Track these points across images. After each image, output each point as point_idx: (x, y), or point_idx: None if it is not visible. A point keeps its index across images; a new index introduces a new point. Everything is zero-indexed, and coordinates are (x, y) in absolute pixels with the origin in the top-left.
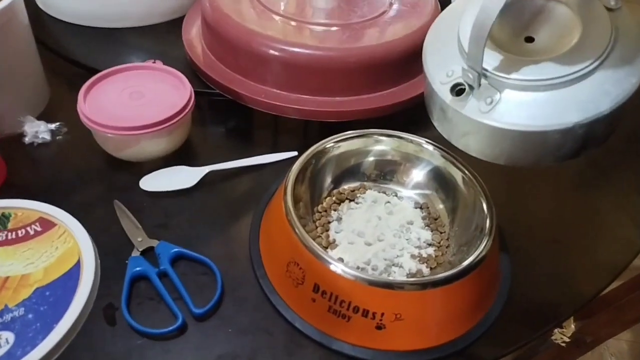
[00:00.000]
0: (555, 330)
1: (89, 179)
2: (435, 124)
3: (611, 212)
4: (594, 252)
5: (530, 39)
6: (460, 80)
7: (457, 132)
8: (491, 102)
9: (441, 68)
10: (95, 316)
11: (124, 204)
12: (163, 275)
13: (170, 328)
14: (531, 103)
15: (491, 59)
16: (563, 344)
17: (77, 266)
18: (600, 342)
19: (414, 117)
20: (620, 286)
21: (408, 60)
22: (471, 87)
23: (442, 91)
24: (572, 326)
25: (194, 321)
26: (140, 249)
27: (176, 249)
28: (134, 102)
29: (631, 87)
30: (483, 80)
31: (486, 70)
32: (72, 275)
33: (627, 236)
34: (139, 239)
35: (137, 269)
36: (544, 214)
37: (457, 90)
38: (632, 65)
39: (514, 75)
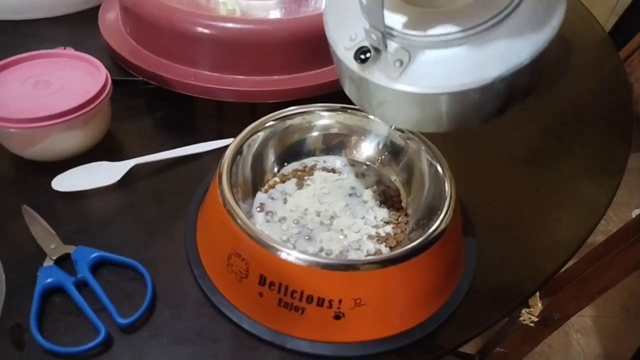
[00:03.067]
0: (523, 311)
1: None
2: (348, 94)
3: (572, 179)
4: (558, 222)
5: None
6: (365, 44)
7: (371, 101)
8: (401, 65)
9: (344, 31)
10: (1, 340)
11: (34, 209)
12: (82, 285)
13: (91, 344)
14: (445, 61)
15: (395, 15)
16: (531, 324)
17: None
18: (567, 318)
19: None
20: (581, 259)
21: None
22: (377, 50)
23: (348, 58)
24: (539, 304)
25: (121, 334)
26: (54, 257)
27: (96, 254)
28: (39, 92)
29: (551, 30)
30: (389, 41)
31: (391, 28)
32: None
33: (591, 200)
34: (52, 247)
35: (49, 280)
36: (504, 190)
37: (362, 55)
38: (550, 5)
39: (422, 32)
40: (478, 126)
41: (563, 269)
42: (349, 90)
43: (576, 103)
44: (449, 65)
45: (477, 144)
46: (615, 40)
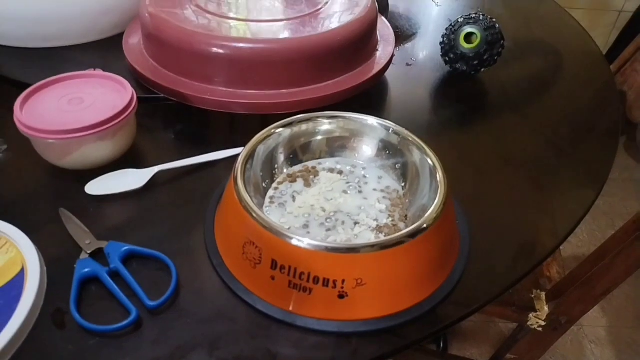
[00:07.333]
0: (530, 315)
1: (33, 191)
2: None
3: (563, 179)
4: (547, 216)
5: None
6: None
7: None
8: None
9: None
10: (44, 322)
11: (70, 211)
12: (115, 275)
13: (124, 323)
14: None
15: None
16: (539, 329)
17: (21, 275)
18: (574, 321)
19: (361, 104)
20: (584, 262)
21: (348, 49)
22: None
23: None
24: (546, 308)
25: (149, 316)
26: (89, 251)
27: (127, 247)
28: (73, 107)
29: None
30: None
31: None
32: (16, 284)
33: (579, 195)
34: (87, 242)
35: (86, 270)
36: (499, 188)
37: None
38: None
39: None
40: None
41: (568, 272)
42: None
43: (569, 112)
44: None
45: (478, 149)
46: (617, 53)
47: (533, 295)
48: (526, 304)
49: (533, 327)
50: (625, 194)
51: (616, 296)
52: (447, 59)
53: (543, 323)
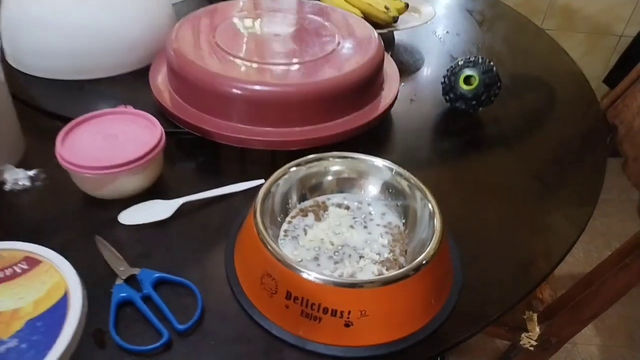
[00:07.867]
0: (523, 335)
1: (70, 218)
2: None
3: (549, 213)
4: (542, 237)
5: None
6: None
7: None
8: None
9: None
10: (86, 341)
11: (104, 239)
12: (147, 299)
13: (157, 344)
14: None
15: None
16: (531, 348)
17: (65, 297)
18: (564, 342)
19: (369, 141)
20: (575, 286)
21: (358, 91)
22: None
23: None
24: (537, 329)
25: (178, 337)
26: (124, 277)
27: (157, 274)
28: (108, 143)
29: None
30: None
31: None
32: (61, 306)
33: (561, 231)
34: (121, 269)
35: (122, 294)
36: (489, 220)
37: None
38: None
39: None
40: None
41: (559, 295)
42: None
43: (558, 148)
44: None
45: (471, 182)
46: (616, 76)
47: (525, 317)
48: (519, 324)
49: (525, 346)
50: (623, 215)
51: (609, 315)
52: (447, 98)
53: (534, 343)
